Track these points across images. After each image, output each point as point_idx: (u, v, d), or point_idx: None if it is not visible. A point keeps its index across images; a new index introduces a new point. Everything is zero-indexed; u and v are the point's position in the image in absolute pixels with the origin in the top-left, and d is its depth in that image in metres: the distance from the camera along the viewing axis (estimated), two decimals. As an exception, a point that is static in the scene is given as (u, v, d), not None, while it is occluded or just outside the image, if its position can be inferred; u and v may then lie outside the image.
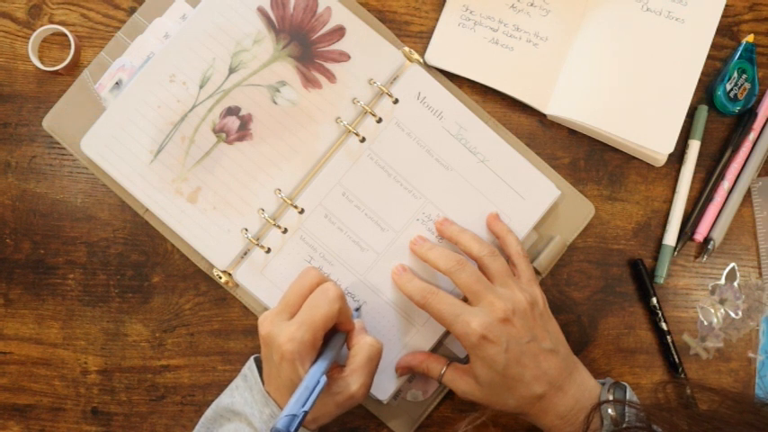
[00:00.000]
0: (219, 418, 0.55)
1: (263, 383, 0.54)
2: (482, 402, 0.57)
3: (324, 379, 0.51)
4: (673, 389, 0.53)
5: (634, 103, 0.63)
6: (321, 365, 0.52)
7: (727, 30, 0.66)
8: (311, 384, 0.50)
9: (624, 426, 0.52)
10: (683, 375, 0.64)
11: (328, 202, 0.61)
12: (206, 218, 0.61)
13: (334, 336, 0.56)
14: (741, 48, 0.64)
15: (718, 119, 0.66)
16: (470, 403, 0.58)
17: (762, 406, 0.50)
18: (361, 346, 0.55)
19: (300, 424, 0.48)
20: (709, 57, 0.63)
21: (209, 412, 0.56)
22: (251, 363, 0.56)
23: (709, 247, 0.65)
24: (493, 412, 0.57)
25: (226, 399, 0.56)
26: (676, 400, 0.52)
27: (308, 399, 0.49)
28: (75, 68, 0.64)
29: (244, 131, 0.61)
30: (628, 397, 0.55)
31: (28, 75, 0.64)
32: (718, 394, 0.53)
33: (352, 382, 0.54)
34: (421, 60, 0.63)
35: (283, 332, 0.52)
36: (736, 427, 0.46)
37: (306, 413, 0.48)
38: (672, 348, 0.64)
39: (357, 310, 0.61)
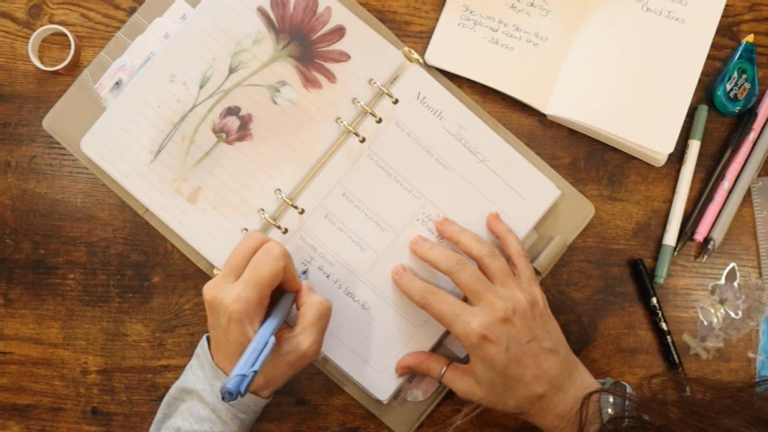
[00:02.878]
0: (174, 401, 0.55)
1: (213, 356, 0.54)
2: (482, 402, 0.57)
3: (272, 339, 0.50)
4: (657, 382, 0.53)
5: (634, 103, 0.63)
6: (269, 326, 0.52)
7: (727, 30, 0.66)
8: (260, 345, 0.50)
9: (614, 414, 0.53)
10: (682, 375, 0.64)
11: (328, 202, 0.61)
12: (206, 218, 0.61)
13: (281, 297, 0.56)
14: (741, 48, 0.64)
15: (718, 119, 0.66)
16: (470, 403, 0.58)
17: (738, 390, 0.50)
18: (311, 304, 0.55)
19: (250, 383, 0.47)
20: (710, 57, 0.63)
21: (166, 397, 0.56)
22: (203, 340, 0.56)
23: (709, 247, 0.65)
24: (487, 405, 0.57)
25: (180, 379, 0.56)
26: (662, 392, 0.53)
27: (257, 359, 0.48)
28: (75, 68, 0.64)
29: (244, 131, 0.61)
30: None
31: (28, 75, 0.64)
32: (700, 383, 0.54)
33: (303, 340, 0.53)
34: (421, 60, 0.63)
35: (229, 294, 0.52)
36: (715, 411, 0.47)
37: (255, 373, 0.48)
38: (672, 348, 0.64)
39: (304, 272, 0.61)
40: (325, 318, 0.55)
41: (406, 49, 0.63)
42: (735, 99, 0.64)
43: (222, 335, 0.52)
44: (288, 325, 0.56)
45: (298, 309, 0.56)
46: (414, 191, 0.62)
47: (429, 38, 0.65)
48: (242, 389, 0.47)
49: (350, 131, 0.61)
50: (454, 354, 0.62)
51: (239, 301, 0.51)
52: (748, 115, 0.65)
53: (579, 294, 0.65)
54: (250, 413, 0.54)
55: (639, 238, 0.65)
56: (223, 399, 0.47)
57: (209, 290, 0.53)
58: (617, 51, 0.63)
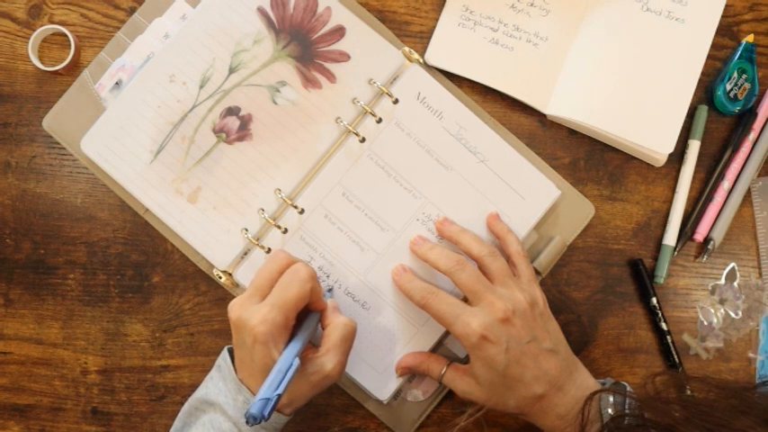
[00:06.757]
0: (195, 411, 0.55)
1: (236, 371, 0.54)
2: (482, 402, 0.57)
3: (297, 361, 0.50)
4: (661, 381, 0.53)
5: (634, 103, 0.63)
6: (294, 347, 0.52)
7: (727, 30, 0.66)
8: (284, 367, 0.50)
9: (615, 414, 0.53)
10: (686, 374, 0.64)
11: (328, 202, 0.61)
12: (206, 218, 0.61)
13: (307, 317, 0.56)
14: (741, 48, 0.64)
15: (718, 119, 0.66)
16: (470, 403, 0.58)
17: (743, 390, 0.50)
18: (335, 325, 0.55)
19: (274, 407, 0.48)
20: (710, 57, 0.63)
21: (185, 406, 0.56)
22: (224, 353, 0.56)
23: (709, 247, 0.65)
24: (488, 406, 0.57)
25: (201, 391, 0.56)
26: (665, 391, 0.53)
27: (281, 382, 0.49)
28: (75, 68, 0.64)
29: (244, 131, 0.61)
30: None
31: (28, 75, 0.64)
32: (704, 383, 0.54)
33: (327, 361, 0.53)
34: (421, 60, 0.63)
35: (255, 315, 0.51)
36: (721, 411, 0.47)
37: (279, 396, 0.48)
38: (672, 348, 0.64)
39: (330, 290, 0.61)
40: (349, 339, 0.55)
41: (406, 49, 0.63)
42: (735, 99, 0.64)
43: (247, 355, 0.52)
44: (312, 344, 0.56)
45: (323, 329, 0.56)
46: (414, 191, 0.62)
47: (429, 38, 0.65)
48: (266, 413, 0.47)
49: (350, 131, 0.61)
50: (454, 354, 0.62)
51: (265, 324, 0.51)
52: (748, 115, 0.65)
53: (579, 294, 0.65)
54: (271, 429, 0.54)
55: (639, 238, 0.65)
56: (247, 423, 0.47)
57: (234, 309, 0.53)
58: (617, 51, 0.63)
